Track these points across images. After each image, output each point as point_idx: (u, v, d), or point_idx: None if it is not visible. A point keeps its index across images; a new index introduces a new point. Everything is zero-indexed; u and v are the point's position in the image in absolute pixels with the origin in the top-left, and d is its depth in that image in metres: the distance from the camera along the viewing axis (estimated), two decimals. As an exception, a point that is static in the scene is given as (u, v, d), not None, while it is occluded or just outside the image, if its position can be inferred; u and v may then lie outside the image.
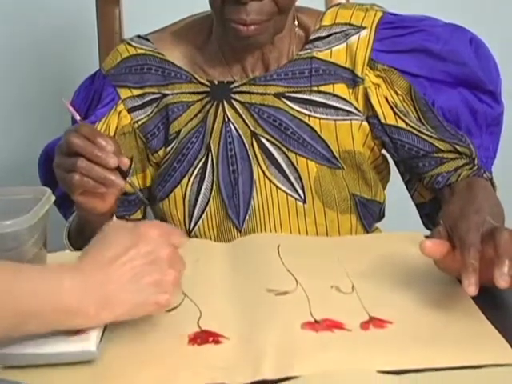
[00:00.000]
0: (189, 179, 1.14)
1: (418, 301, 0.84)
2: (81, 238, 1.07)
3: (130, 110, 1.16)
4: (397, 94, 1.11)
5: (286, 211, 1.13)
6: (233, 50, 1.12)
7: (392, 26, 1.12)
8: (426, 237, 0.94)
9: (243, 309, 0.84)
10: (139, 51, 1.16)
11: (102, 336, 0.76)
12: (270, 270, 0.94)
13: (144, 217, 1.24)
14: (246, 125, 1.13)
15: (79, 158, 0.95)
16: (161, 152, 1.16)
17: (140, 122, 1.16)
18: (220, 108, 1.13)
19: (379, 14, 1.12)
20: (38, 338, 0.73)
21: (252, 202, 1.13)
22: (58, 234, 1.07)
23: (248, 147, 1.13)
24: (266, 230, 1.13)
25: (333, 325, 0.79)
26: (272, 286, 0.89)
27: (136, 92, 1.16)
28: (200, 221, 1.15)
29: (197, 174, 1.14)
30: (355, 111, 1.12)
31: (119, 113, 1.16)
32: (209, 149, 1.13)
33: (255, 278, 0.92)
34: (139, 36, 1.19)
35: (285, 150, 1.12)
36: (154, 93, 1.15)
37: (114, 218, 1.07)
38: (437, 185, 1.12)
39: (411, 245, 0.89)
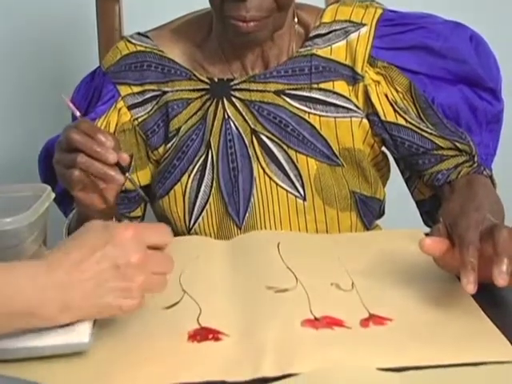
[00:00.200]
0: (189, 176, 1.14)
1: (417, 298, 0.84)
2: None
3: (130, 107, 1.16)
4: (397, 91, 1.11)
5: (285, 208, 1.13)
6: (232, 47, 1.12)
7: (392, 23, 1.12)
8: (426, 234, 0.94)
9: (243, 306, 0.84)
10: (139, 48, 1.16)
11: (93, 326, 0.76)
12: (270, 268, 0.94)
13: (144, 214, 1.24)
14: (246, 122, 1.13)
15: (79, 153, 0.95)
16: (161, 149, 1.16)
17: (140, 119, 1.16)
18: (220, 105, 1.13)
19: (379, 11, 1.12)
20: (29, 332, 0.73)
21: (252, 200, 1.13)
22: (57, 231, 1.07)
23: (248, 144, 1.13)
24: (265, 228, 1.13)
25: (333, 322, 0.79)
26: (272, 283, 0.89)
27: (136, 89, 1.16)
28: (200, 218, 1.15)
29: (197, 172, 1.14)
30: (355, 108, 1.12)
31: (119, 110, 1.16)
32: (209, 146, 1.13)
33: (255, 276, 0.92)
34: (139, 33, 1.19)
35: (285, 147, 1.12)
36: (153, 90, 1.15)
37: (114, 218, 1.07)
38: (437, 182, 1.12)
39: (411, 242, 0.89)
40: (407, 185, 1.20)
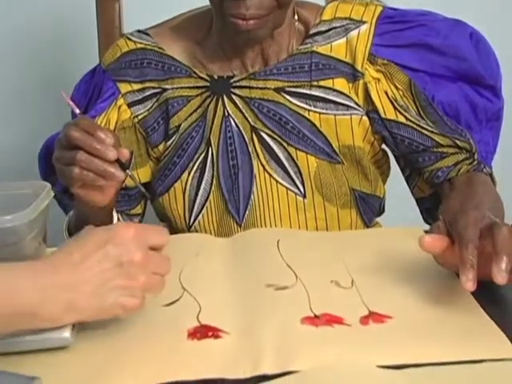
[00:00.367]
0: (189, 174, 1.14)
1: (417, 296, 0.84)
2: (80, 232, 1.07)
3: (130, 105, 1.16)
4: (397, 88, 1.11)
5: (285, 206, 1.13)
6: (232, 44, 1.12)
7: (392, 21, 1.11)
8: (426, 232, 0.94)
9: (243, 304, 0.84)
10: (139, 46, 1.16)
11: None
12: (270, 265, 0.94)
13: (144, 211, 1.24)
14: (246, 119, 1.13)
15: (79, 151, 0.94)
16: (161, 147, 1.16)
17: (140, 117, 1.16)
18: (220, 102, 1.13)
19: (379, 9, 1.12)
20: None
21: (252, 197, 1.13)
22: (57, 228, 1.07)
23: (248, 142, 1.13)
24: (265, 225, 1.13)
25: (332, 320, 0.79)
26: (272, 280, 0.89)
27: (136, 86, 1.16)
28: (200, 215, 1.15)
29: (197, 169, 1.14)
30: (355, 106, 1.12)
31: (119, 107, 1.16)
32: (209, 143, 1.13)
33: (255, 273, 0.92)
34: (139, 31, 1.19)
35: (285, 144, 1.12)
36: (153, 87, 1.15)
37: (114, 214, 1.07)
38: (437, 179, 1.12)
39: (411, 240, 0.89)
40: (407, 182, 1.20)
